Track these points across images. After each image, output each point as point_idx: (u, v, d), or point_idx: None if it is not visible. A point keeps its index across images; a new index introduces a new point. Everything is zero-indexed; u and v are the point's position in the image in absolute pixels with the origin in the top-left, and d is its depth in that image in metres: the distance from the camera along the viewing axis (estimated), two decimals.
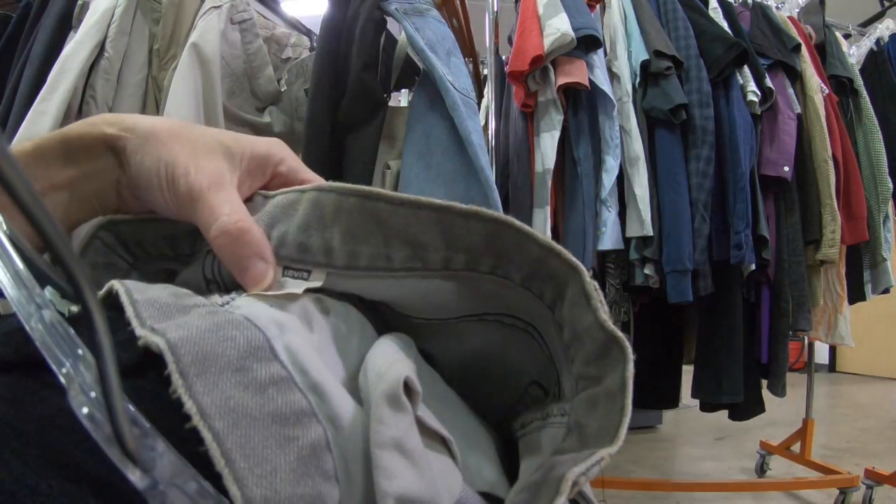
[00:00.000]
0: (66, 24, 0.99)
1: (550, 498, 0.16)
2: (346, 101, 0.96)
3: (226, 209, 0.24)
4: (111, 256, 0.27)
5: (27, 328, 0.15)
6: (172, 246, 0.28)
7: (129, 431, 0.13)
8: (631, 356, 0.18)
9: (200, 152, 0.25)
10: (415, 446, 0.18)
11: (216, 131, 0.27)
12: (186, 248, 0.28)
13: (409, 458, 0.17)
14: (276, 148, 0.28)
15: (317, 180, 0.28)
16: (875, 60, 1.88)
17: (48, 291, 0.19)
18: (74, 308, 0.20)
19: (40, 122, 0.85)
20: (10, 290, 0.16)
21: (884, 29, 1.91)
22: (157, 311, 0.19)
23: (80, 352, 0.15)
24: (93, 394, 0.14)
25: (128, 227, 0.27)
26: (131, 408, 0.14)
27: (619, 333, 0.19)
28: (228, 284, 0.26)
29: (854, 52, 1.89)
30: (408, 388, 0.18)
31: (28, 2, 1.09)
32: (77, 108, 0.92)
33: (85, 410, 0.14)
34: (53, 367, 0.14)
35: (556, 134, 1.26)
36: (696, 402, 1.54)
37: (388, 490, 0.16)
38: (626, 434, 0.18)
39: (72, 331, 0.15)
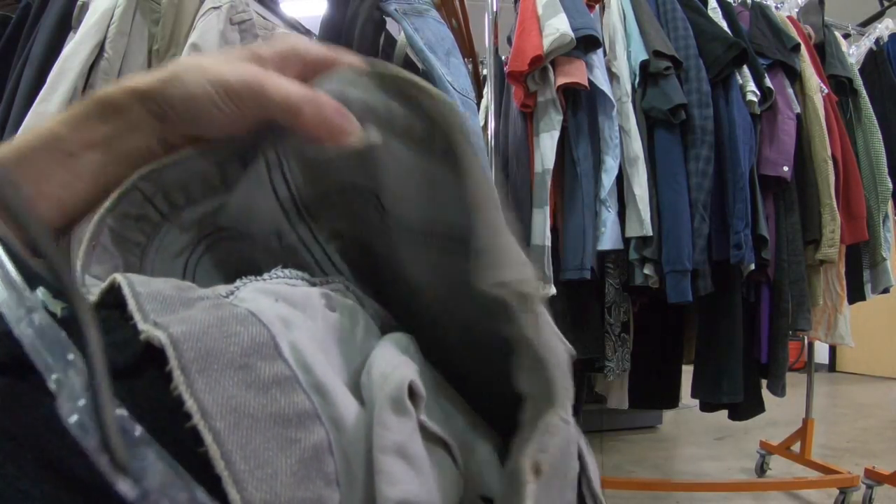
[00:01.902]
0: (66, 25, 0.99)
1: (518, 490, 0.15)
2: None
3: (289, 83, 0.26)
4: (146, 208, 0.27)
5: (15, 333, 0.15)
6: (222, 173, 0.28)
7: (119, 441, 0.13)
8: (530, 303, 0.18)
9: (233, 61, 0.26)
10: (417, 451, 0.17)
11: (238, 49, 0.28)
12: (236, 172, 0.28)
13: (411, 464, 0.17)
14: (295, 41, 0.29)
15: (340, 58, 0.29)
16: (874, 60, 1.88)
17: (40, 292, 0.19)
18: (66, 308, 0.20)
19: (40, 122, 0.85)
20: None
21: (883, 29, 1.91)
22: (161, 304, 0.19)
23: (70, 357, 0.15)
24: (82, 401, 0.14)
25: (175, 171, 0.27)
26: (125, 414, 0.14)
27: (521, 288, 0.18)
28: (293, 167, 0.27)
29: (853, 52, 1.89)
30: (412, 391, 0.18)
31: (28, 2, 1.09)
32: None
33: (74, 419, 0.13)
34: (43, 373, 0.14)
35: (556, 134, 1.26)
36: (696, 402, 1.54)
37: (390, 495, 0.16)
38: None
39: (63, 334, 0.15)
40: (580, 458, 0.22)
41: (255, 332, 0.18)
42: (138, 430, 0.14)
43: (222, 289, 0.22)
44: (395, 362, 0.20)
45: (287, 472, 0.15)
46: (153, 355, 0.17)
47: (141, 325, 0.17)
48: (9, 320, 0.15)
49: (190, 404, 0.15)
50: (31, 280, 0.18)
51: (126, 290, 0.19)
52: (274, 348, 0.18)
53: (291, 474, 0.15)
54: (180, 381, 0.15)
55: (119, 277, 0.20)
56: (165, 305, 0.19)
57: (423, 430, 0.18)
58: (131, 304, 0.18)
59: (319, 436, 0.17)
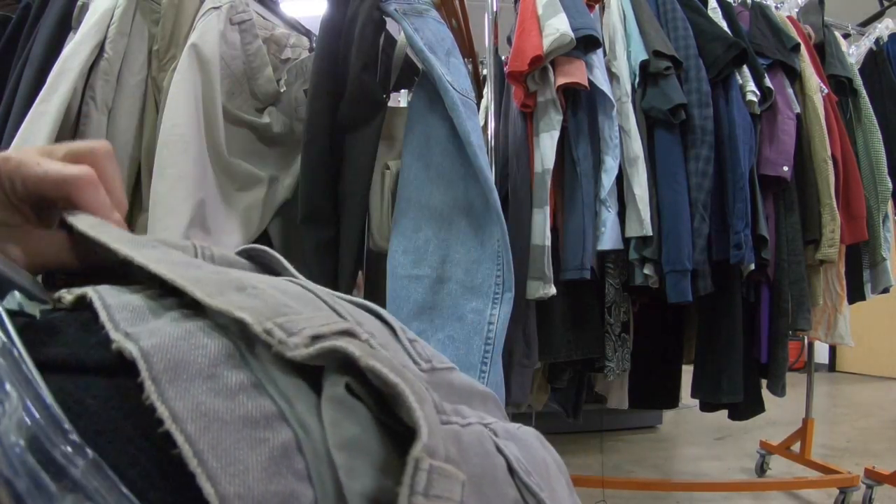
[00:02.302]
0: (66, 25, 0.99)
1: None
2: (345, 102, 0.96)
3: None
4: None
5: None
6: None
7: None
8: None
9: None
10: (374, 445, 0.18)
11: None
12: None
13: (370, 457, 0.17)
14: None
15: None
16: (874, 60, 1.88)
17: (17, 295, 0.20)
18: (45, 307, 0.20)
19: (40, 122, 0.85)
20: None
21: (883, 28, 1.91)
22: (131, 313, 0.20)
23: (7, 388, 0.15)
24: (12, 437, 0.14)
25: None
26: (67, 450, 0.14)
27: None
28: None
29: (853, 52, 1.89)
30: (350, 389, 0.18)
31: (28, 3, 1.09)
32: (77, 108, 0.92)
33: None
34: None
35: (556, 134, 1.26)
36: (696, 402, 1.54)
37: (354, 489, 0.17)
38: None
39: (4, 365, 0.16)
40: (500, 452, 0.23)
41: (222, 343, 0.19)
42: (76, 467, 0.14)
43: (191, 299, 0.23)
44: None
45: (258, 468, 0.16)
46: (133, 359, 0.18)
47: (112, 335, 0.18)
48: None
49: (161, 410, 0.16)
50: (3, 285, 0.19)
51: (96, 303, 0.20)
52: (240, 358, 0.19)
53: (262, 470, 0.16)
54: (151, 390, 0.16)
55: (90, 291, 0.21)
56: (135, 315, 0.20)
57: (380, 423, 0.19)
58: (102, 315, 0.19)
59: (287, 435, 0.18)
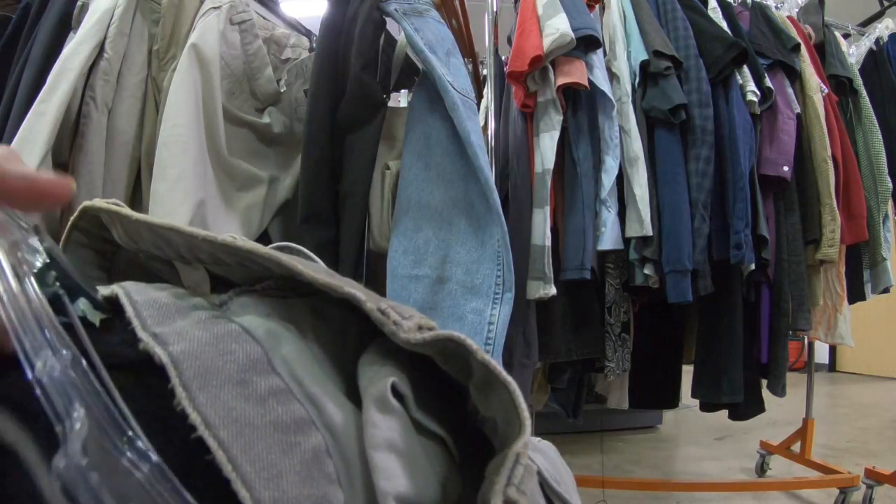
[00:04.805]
0: (66, 25, 0.99)
1: None
2: (345, 102, 0.96)
3: None
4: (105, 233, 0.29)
5: (29, 377, 0.15)
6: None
7: None
8: (462, 341, 0.18)
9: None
10: (409, 446, 0.18)
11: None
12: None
13: (404, 459, 0.18)
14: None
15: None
16: (874, 60, 1.88)
17: (82, 302, 0.20)
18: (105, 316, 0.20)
19: (40, 122, 0.85)
20: (15, 336, 0.15)
21: (883, 28, 1.91)
22: (157, 311, 0.20)
23: (75, 415, 0.15)
24: (84, 461, 0.14)
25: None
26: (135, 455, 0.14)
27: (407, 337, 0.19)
28: None
29: (853, 52, 1.89)
30: (395, 391, 0.19)
31: (28, 3, 1.09)
32: (77, 108, 0.92)
33: (58, 485, 0.13)
34: (53, 422, 0.14)
35: (556, 134, 1.26)
36: (696, 402, 1.54)
37: (388, 490, 0.17)
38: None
39: (72, 387, 0.15)
40: (531, 462, 0.23)
41: (250, 349, 0.19)
42: (142, 472, 0.14)
43: (215, 298, 0.23)
44: (379, 363, 0.21)
45: (291, 472, 0.16)
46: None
47: (140, 333, 0.19)
48: (24, 366, 0.15)
49: (194, 417, 0.16)
50: (73, 291, 0.19)
51: (123, 299, 0.20)
52: (268, 363, 0.19)
53: (295, 474, 0.16)
54: (183, 396, 0.16)
55: (116, 288, 0.21)
56: (162, 312, 0.20)
57: (418, 426, 0.19)
58: (129, 311, 0.20)
59: (317, 440, 0.18)
